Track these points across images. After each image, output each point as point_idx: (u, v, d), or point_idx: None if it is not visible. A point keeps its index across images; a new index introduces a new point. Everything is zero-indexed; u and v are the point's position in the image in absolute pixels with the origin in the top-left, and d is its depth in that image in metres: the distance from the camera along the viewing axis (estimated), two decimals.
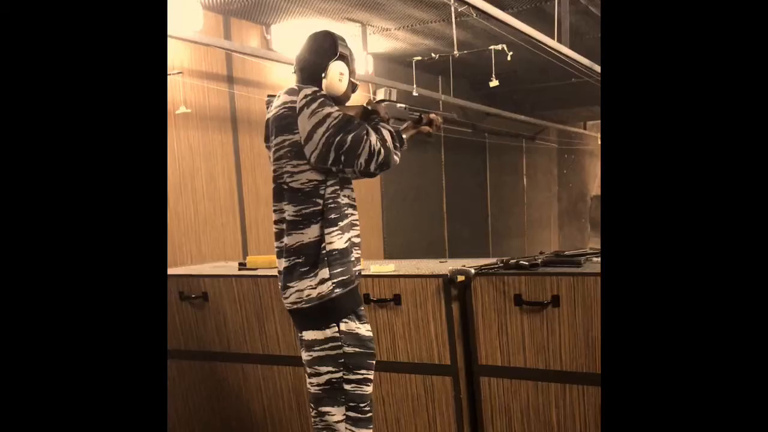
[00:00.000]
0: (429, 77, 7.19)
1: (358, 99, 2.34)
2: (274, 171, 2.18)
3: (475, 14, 4.28)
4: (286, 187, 2.14)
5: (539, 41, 4.68)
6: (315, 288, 2.09)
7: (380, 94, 2.30)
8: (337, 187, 2.13)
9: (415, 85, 5.68)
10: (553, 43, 4.89)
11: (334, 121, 2.04)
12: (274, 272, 2.35)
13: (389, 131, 2.16)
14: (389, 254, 5.97)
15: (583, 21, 6.01)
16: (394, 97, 2.32)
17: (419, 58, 5.71)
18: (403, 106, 2.34)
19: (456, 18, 5.53)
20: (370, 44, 5.77)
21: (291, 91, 2.14)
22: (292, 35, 5.54)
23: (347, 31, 5.46)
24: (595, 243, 13.49)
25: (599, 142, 13.47)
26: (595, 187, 14.46)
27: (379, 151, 2.08)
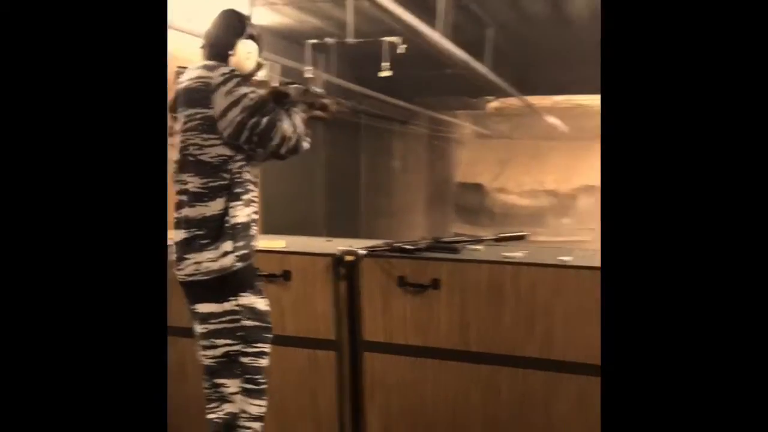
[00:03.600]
0: (309, 54, 7.21)
1: None
2: (181, 142, 2.19)
3: None
4: (192, 159, 2.16)
5: (422, 33, 4.88)
6: (216, 260, 2.13)
7: (264, 71, 2.36)
8: (244, 163, 2.19)
9: (310, 67, 5.72)
10: (435, 35, 5.10)
11: (250, 103, 2.10)
12: None
13: (301, 117, 2.24)
14: (267, 229, 5.97)
15: (461, 15, 6.28)
16: (277, 71, 2.40)
17: (315, 41, 5.74)
18: (301, 87, 2.41)
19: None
20: (254, 16, 5.72)
21: (207, 67, 2.17)
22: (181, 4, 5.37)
23: (233, 1, 5.38)
24: (458, 228, 14.14)
25: (466, 131, 14.08)
26: (460, 174, 15.13)
27: (290, 137, 2.16)
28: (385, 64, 5.32)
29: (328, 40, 5.76)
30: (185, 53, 2.79)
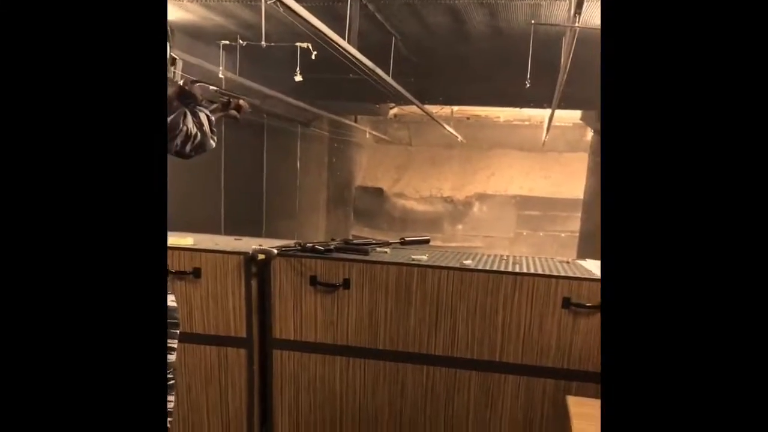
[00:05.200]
0: (212, 51, 7.15)
1: None
2: None
3: (270, 1, 4.42)
4: None
5: (331, 39, 4.97)
6: None
7: (176, 67, 2.35)
8: None
9: (221, 68, 5.68)
10: (343, 42, 5.21)
11: None
12: None
13: (206, 115, 2.23)
14: (168, 226, 5.84)
15: (366, 24, 6.42)
16: (180, 67, 2.39)
17: (227, 42, 5.70)
18: (215, 88, 2.43)
19: (249, 0, 5.64)
20: None
21: None
22: None
23: None
24: (357, 230, 14.29)
25: (367, 136, 14.27)
26: (360, 178, 15.30)
27: (196, 134, 2.14)
28: (298, 70, 5.39)
29: (241, 42, 5.75)
30: None
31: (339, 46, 5.19)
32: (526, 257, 2.88)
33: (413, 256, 2.66)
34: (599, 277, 2.38)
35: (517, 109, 12.20)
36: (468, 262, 2.59)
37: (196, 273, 2.66)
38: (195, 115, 2.17)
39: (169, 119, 2.08)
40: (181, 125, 2.10)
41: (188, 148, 2.15)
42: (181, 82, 2.31)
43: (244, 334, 2.66)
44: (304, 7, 4.56)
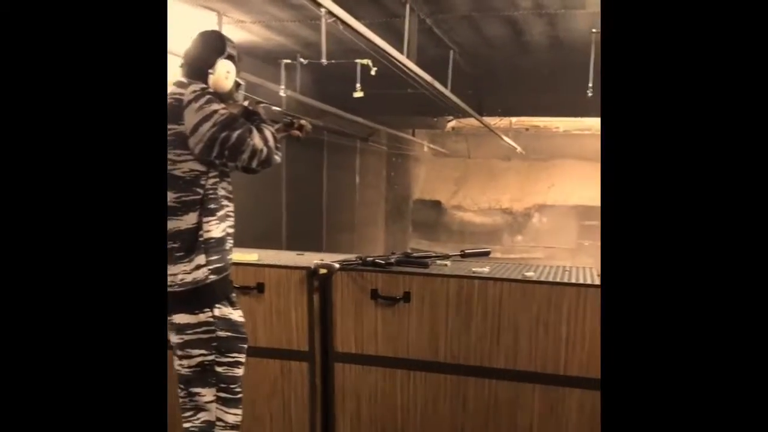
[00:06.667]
0: (272, 70, 7.30)
1: None
2: None
3: (331, 20, 4.49)
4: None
5: (390, 54, 5.01)
6: (189, 273, 2.19)
7: (242, 90, 2.43)
8: (218, 179, 2.25)
9: (283, 86, 5.80)
10: (401, 57, 5.24)
11: (221, 118, 2.16)
12: None
13: (271, 132, 2.30)
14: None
15: (424, 38, 6.45)
16: (243, 88, 2.46)
17: (288, 61, 5.82)
18: (278, 109, 2.52)
19: (310, 20, 5.73)
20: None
21: (180, 84, 2.24)
22: None
23: (202, 19, 5.45)
24: (415, 243, 14.29)
25: (425, 149, 14.27)
26: (418, 191, 15.30)
27: (262, 150, 2.22)
28: (358, 86, 5.45)
29: (302, 60, 5.85)
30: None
31: (397, 61, 5.22)
32: (590, 268, 2.83)
33: (474, 269, 2.65)
34: None
35: (577, 118, 12.01)
36: (530, 274, 2.57)
37: (260, 288, 2.72)
38: (261, 131, 2.24)
39: (234, 135, 2.15)
40: (248, 140, 2.17)
41: (255, 163, 2.22)
42: (245, 103, 2.39)
43: (306, 348, 2.69)
44: (363, 24, 4.62)
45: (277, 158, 2.31)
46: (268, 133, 2.27)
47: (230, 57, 2.31)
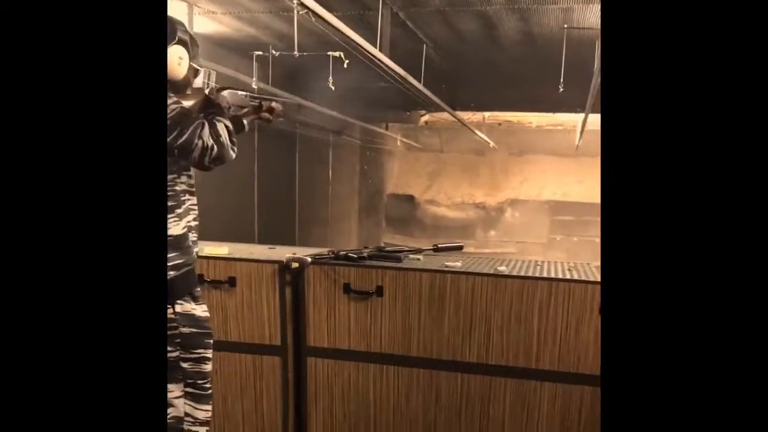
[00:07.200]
0: (245, 62, 7.24)
1: None
2: None
3: (303, 12, 4.45)
4: None
5: (363, 48, 4.99)
6: None
7: (200, 77, 2.32)
8: (175, 175, 2.17)
9: (255, 78, 5.74)
10: (375, 50, 5.23)
11: (170, 114, 2.05)
12: None
13: (225, 125, 2.18)
14: (201, 236, 5.92)
15: (397, 32, 6.44)
16: (213, 79, 2.40)
17: (259, 53, 5.77)
18: (245, 93, 2.44)
19: (281, 12, 5.69)
20: (195, 25, 5.73)
21: None
22: None
23: (173, 9, 5.38)
24: (389, 238, 14.31)
25: (398, 143, 14.29)
26: (391, 185, 15.32)
27: (212, 146, 2.10)
28: (331, 79, 5.43)
29: (273, 52, 5.80)
30: None
31: (370, 54, 5.20)
32: (561, 263, 2.85)
33: (446, 263, 2.65)
34: None
35: (550, 114, 12.11)
36: (502, 269, 2.57)
37: (232, 282, 2.69)
38: (213, 126, 2.13)
39: (183, 138, 2.06)
40: (195, 140, 2.08)
41: (206, 160, 2.12)
42: (206, 92, 2.32)
43: (278, 342, 2.67)
44: (335, 16, 4.59)
45: (232, 154, 2.20)
46: (221, 128, 2.15)
47: (182, 42, 2.20)
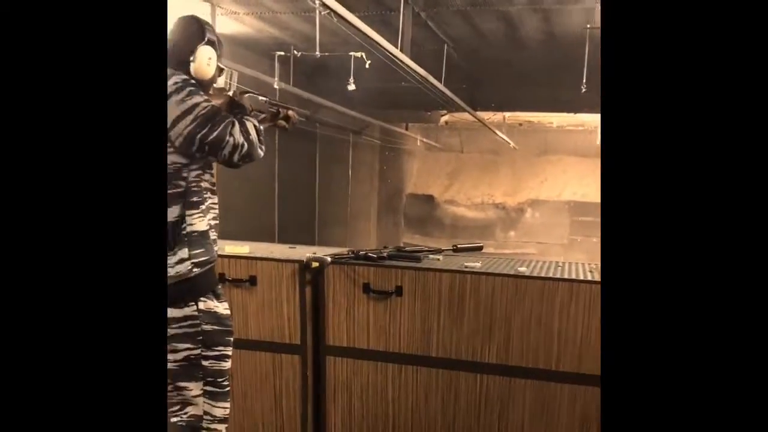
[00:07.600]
0: (267, 62, 7.28)
1: None
2: None
3: (325, 12, 4.47)
4: None
5: (384, 48, 5.00)
6: (173, 267, 2.16)
7: (223, 77, 2.35)
8: (200, 172, 2.20)
9: (276, 78, 5.77)
10: (396, 51, 5.23)
11: (202, 111, 2.09)
12: None
13: (254, 125, 2.23)
14: (222, 235, 5.96)
15: (419, 32, 6.44)
16: (235, 79, 2.42)
17: (281, 53, 5.80)
18: (265, 99, 2.47)
19: (303, 12, 5.71)
20: (217, 25, 5.77)
21: None
22: None
23: (196, 10, 5.42)
24: (408, 237, 14.30)
25: (418, 143, 14.27)
26: (410, 185, 15.30)
27: (243, 144, 2.15)
28: (352, 79, 5.45)
29: (295, 52, 5.83)
30: None
31: (392, 54, 5.21)
32: (583, 264, 2.83)
33: (466, 264, 2.64)
34: None
35: (571, 114, 12.02)
36: (522, 269, 2.56)
37: (252, 281, 2.70)
38: (242, 125, 2.18)
39: (216, 130, 2.10)
40: (227, 137, 2.12)
41: (236, 158, 2.16)
42: (231, 93, 2.35)
43: (298, 341, 2.69)
44: (357, 17, 4.60)
45: (260, 152, 2.25)
46: (250, 127, 2.21)
47: (210, 42, 2.24)
